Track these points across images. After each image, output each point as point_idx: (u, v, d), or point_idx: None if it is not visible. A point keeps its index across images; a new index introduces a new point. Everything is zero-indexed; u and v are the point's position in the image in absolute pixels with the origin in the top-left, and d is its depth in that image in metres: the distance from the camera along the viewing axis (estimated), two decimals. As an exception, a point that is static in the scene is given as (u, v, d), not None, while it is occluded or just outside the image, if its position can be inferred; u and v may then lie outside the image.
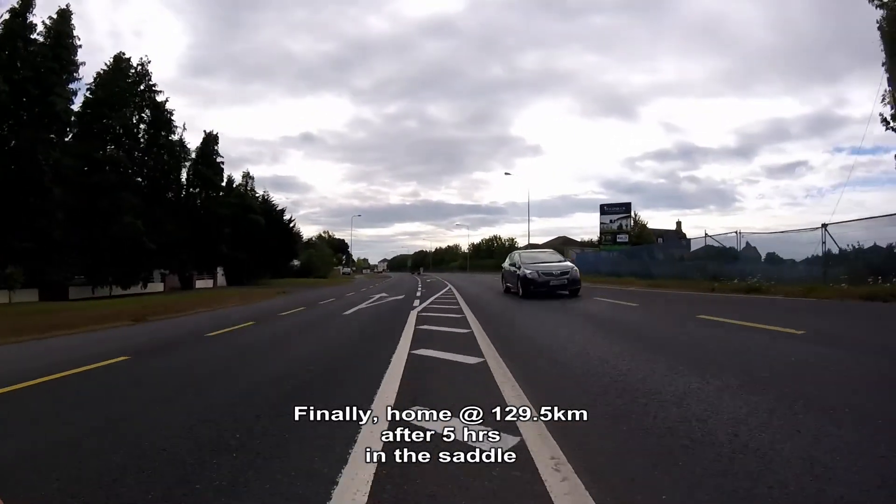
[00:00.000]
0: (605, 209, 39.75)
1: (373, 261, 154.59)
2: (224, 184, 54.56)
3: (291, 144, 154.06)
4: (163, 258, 35.66)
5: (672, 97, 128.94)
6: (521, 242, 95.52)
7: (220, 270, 47.16)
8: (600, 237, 40.14)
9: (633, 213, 39.85)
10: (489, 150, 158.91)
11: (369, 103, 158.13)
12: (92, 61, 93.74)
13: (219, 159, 46.99)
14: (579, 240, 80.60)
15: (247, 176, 55.33)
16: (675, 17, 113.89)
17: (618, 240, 38.56)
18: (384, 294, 20.79)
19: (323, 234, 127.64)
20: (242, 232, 50.41)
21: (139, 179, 37.76)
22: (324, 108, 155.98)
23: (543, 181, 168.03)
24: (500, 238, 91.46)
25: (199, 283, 42.67)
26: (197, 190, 45.32)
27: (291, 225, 58.59)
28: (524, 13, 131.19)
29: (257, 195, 57.25)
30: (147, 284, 33.62)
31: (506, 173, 42.92)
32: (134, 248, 30.76)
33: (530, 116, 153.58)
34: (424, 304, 14.15)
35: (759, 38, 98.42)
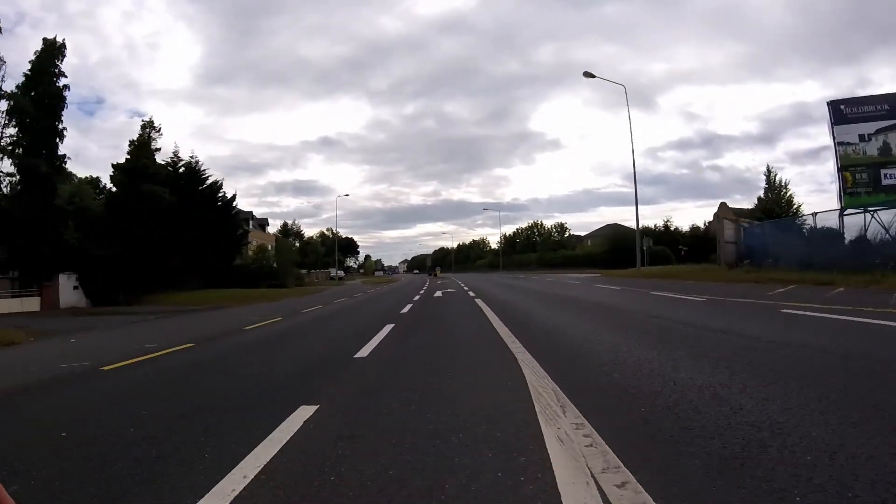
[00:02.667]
0: (844, 112, 17.06)
1: (395, 261, 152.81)
2: (134, 141, 34.76)
3: (311, 149, 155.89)
4: None
5: (692, 85, 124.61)
6: (575, 232, 77.39)
7: (71, 278, 26.48)
8: (845, 177, 17.31)
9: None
10: (509, 147, 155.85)
11: (387, 104, 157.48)
12: (107, 76, 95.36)
13: (62, 82, 26.20)
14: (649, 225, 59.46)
15: (148, 126, 34.45)
16: (692, 2, 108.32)
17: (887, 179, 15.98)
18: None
19: (326, 232, 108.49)
20: (132, 214, 29.88)
21: None
22: (342, 111, 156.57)
23: (564, 176, 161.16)
24: (542, 225, 68.73)
25: (8, 305, 21.88)
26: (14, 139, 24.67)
27: (233, 205, 37.57)
28: (538, 5, 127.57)
29: (180, 161, 36.57)
30: None
31: (588, 73, 20.30)
32: None
33: (549, 110, 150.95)
34: None
35: (778, 20, 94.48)
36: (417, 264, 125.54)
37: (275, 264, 41.63)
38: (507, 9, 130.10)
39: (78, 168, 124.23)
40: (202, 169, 37.13)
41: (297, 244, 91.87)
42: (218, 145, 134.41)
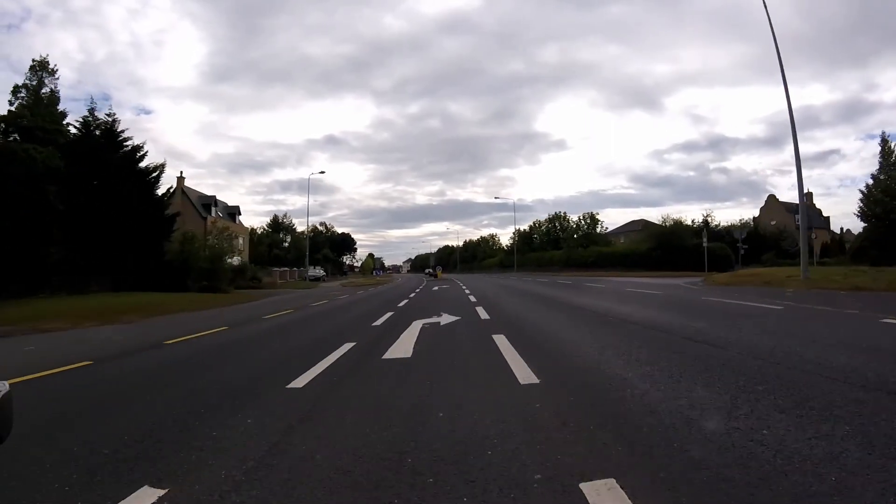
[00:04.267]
0: None
1: (399, 260, 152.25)
2: (19, 87, 25.57)
3: (316, 147, 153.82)
4: None
5: (697, 87, 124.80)
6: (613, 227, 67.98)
7: None
8: None
9: None
10: (513, 147, 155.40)
11: (391, 104, 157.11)
12: (112, 73, 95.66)
13: None
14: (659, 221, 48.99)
15: (40, 67, 24.89)
16: (697, 3, 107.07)
17: None
18: None
19: (319, 227, 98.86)
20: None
21: None
22: (346, 110, 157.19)
23: (569, 177, 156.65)
24: (565, 218, 57.64)
25: None
26: None
27: (157, 178, 28.01)
28: (541, 5, 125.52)
29: (96, 120, 27.29)
30: None
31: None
32: None
33: (554, 111, 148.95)
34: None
35: (784, 22, 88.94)
36: (421, 263, 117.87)
37: (241, 259, 32.23)
38: (510, 8, 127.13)
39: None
40: (119, 129, 27.45)
41: (289, 239, 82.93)
42: (223, 143, 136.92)
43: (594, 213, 49.84)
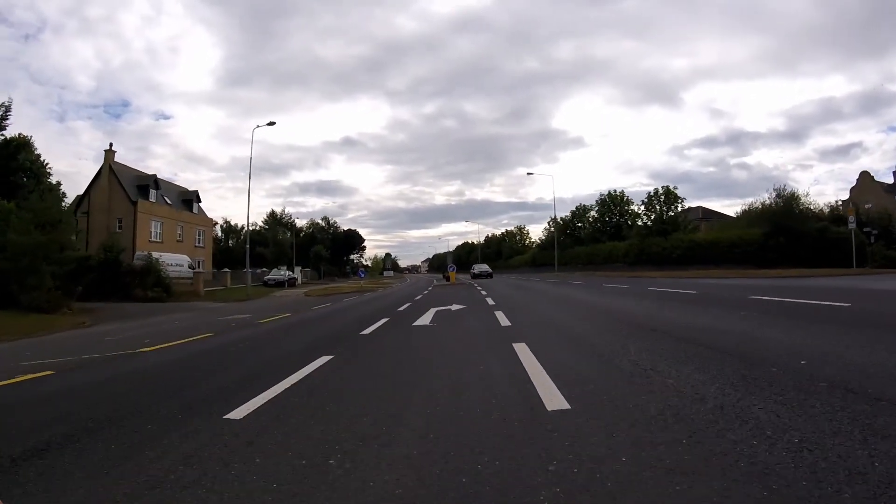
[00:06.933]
0: None
1: (417, 260, 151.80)
2: None
3: (333, 149, 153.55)
4: None
5: (715, 81, 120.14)
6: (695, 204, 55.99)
7: None
8: None
9: None
10: (530, 146, 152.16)
11: (406, 104, 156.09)
12: (130, 80, 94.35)
13: None
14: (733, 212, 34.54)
15: None
16: None
17: None
18: None
19: (320, 223, 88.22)
20: None
21: None
22: (361, 112, 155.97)
23: (588, 175, 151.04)
24: (624, 199, 44.54)
25: None
26: None
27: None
28: (554, 1, 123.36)
29: None
30: None
31: None
32: None
33: (570, 108, 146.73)
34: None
35: (801, 12, 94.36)
36: (439, 263, 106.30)
37: (151, 257, 20.79)
38: (522, 6, 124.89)
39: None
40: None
41: (288, 236, 72.39)
42: (241, 146, 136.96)
43: (671, 186, 35.86)
